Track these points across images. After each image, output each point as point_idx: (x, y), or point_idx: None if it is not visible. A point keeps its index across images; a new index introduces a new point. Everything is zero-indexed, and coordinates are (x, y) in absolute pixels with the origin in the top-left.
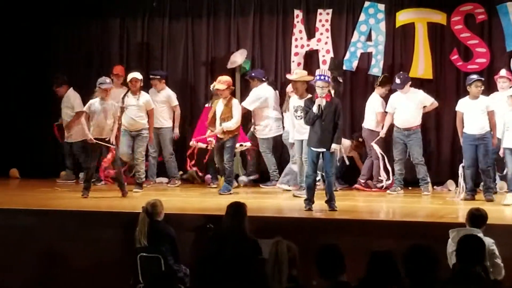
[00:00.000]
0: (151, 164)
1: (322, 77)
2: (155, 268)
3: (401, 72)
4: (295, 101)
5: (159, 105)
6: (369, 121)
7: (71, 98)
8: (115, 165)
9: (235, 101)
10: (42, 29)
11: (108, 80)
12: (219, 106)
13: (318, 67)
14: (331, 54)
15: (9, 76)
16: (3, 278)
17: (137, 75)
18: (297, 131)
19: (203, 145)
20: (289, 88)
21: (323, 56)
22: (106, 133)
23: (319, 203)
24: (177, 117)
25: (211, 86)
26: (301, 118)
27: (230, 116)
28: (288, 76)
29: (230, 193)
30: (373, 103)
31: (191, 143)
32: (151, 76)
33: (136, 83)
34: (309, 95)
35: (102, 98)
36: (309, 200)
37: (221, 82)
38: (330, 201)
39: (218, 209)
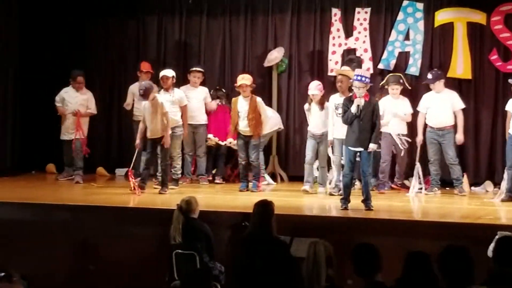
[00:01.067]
0: (187, 161)
1: (359, 78)
2: (190, 265)
3: (434, 69)
4: (336, 99)
5: (197, 102)
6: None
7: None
8: (164, 161)
9: (259, 99)
10: (77, 29)
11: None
12: (241, 105)
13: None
14: (369, 54)
15: (46, 73)
16: (41, 273)
17: (167, 72)
18: (336, 129)
19: (222, 143)
20: (313, 88)
21: (361, 55)
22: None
23: (356, 202)
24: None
25: (237, 83)
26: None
27: (257, 115)
28: (336, 71)
29: (261, 190)
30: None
31: (229, 141)
32: (194, 69)
33: (167, 81)
34: (349, 94)
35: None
36: (345, 199)
37: (246, 78)
38: (367, 200)
39: (251, 207)
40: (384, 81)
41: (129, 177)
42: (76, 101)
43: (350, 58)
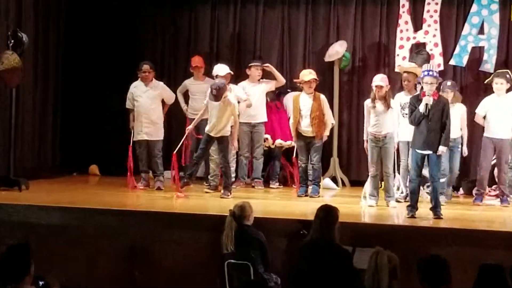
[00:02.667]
0: (242, 164)
1: (430, 73)
2: (244, 276)
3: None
4: (402, 98)
5: (259, 98)
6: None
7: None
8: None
9: (323, 97)
10: (125, 21)
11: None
12: (304, 102)
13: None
14: (439, 49)
15: (94, 69)
16: (85, 279)
17: (222, 69)
18: (402, 130)
19: (287, 143)
20: (378, 80)
21: (431, 50)
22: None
23: (424, 210)
24: None
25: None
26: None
27: (321, 114)
28: (399, 67)
29: (319, 196)
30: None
31: (278, 141)
32: (255, 64)
33: (226, 79)
34: (416, 92)
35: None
36: (412, 207)
37: (314, 73)
38: (435, 208)
39: (311, 214)
40: (490, 78)
41: (173, 164)
42: (146, 95)
43: (419, 51)
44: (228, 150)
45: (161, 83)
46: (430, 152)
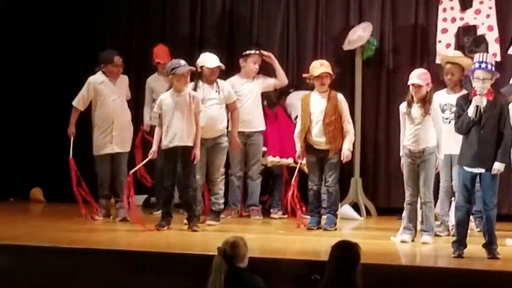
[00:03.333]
0: (234, 186)
1: (484, 65)
2: None
3: None
4: (442, 97)
5: (252, 99)
6: None
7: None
8: (190, 183)
9: (340, 96)
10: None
11: (183, 61)
12: (315, 103)
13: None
14: (495, 33)
15: (32, 66)
16: None
17: (210, 61)
18: (443, 141)
19: (288, 162)
20: (415, 77)
21: (484, 34)
22: (185, 140)
23: (474, 247)
24: None
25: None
26: (450, 121)
27: (337, 120)
28: (441, 57)
29: (335, 229)
30: None
31: (270, 159)
32: (250, 52)
33: (211, 72)
34: (464, 91)
35: (177, 89)
36: (459, 243)
37: (326, 65)
38: (490, 244)
39: (324, 252)
40: None
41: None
42: (116, 94)
43: (477, 38)
44: (194, 165)
45: (124, 76)
46: (482, 170)
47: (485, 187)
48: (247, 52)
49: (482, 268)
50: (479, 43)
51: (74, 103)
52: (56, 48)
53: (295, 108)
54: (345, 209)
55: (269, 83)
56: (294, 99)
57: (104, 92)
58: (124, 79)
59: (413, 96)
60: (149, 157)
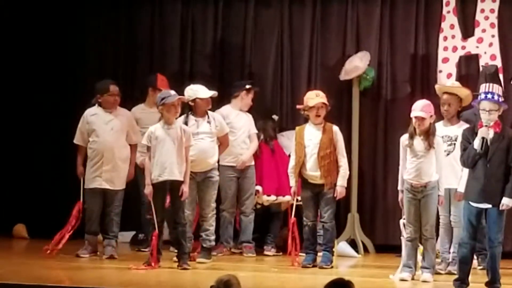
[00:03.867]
0: (227, 222)
1: (490, 96)
2: None
3: None
4: (439, 129)
5: (239, 130)
6: None
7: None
8: (179, 219)
9: (336, 129)
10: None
11: (173, 92)
12: (310, 136)
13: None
14: (499, 62)
15: (16, 91)
16: None
17: (202, 92)
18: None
19: (285, 199)
20: (418, 109)
21: (486, 64)
22: (176, 174)
23: (476, 286)
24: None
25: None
26: (448, 154)
27: (333, 153)
28: (438, 86)
29: (331, 266)
30: None
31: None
32: (250, 87)
33: (202, 104)
34: (464, 124)
35: (167, 121)
36: (461, 281)
37: (322, 96)
38: (493, 283)
39: None
40: None
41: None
42: (109, 126)
43: (491, 68)
44: (183, 201)
45: (127, 111)
46: (489, 205)
47: (491, 223)
48: (249, 87)
49: None
50: (493, 75)
51: (74, 140)
52: (36, 83)
53: (287, 148)
54: (342, 246)
55: (252, 127)
56: (285, 140)
57: (97, 124)
58: (126, 114)
59: (415, 129)
60: (149, 197)
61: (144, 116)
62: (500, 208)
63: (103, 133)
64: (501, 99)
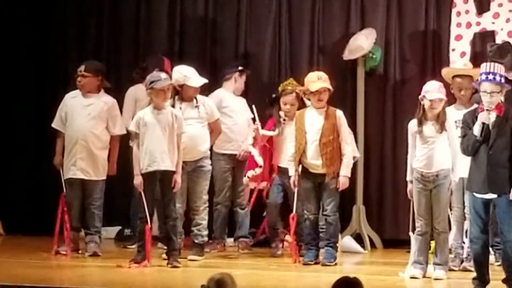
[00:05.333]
0: (221, 216)
1: (491, 77)
2: None
3: None
4: (453, 113)
5: (237, 114)
6: None
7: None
8: (169, 212)
9: (339, 113)
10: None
11: (164, 75)
12: (311, 120)
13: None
14: None
15: None
16: None
17: (195, 78)
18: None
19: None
20: (431, 90)
21: (503, 41)
22: (167, 164)
23: (494, 283)
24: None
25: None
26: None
27: (336, 137)
28: (446, 69)
29: (336, 263)
30: None
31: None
32: (242, 69)
33: (197, 91)
34: (474, 105)
35: (157, 106)
36: (479, 279)
37: (325, 79)
38: (510, 280)
39: None
40: None
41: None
42: (87, 111)
43: (502, 47)
44: (174, 193)
45: (111, 99)
46: (494, 196)
47: (501, 214)
48: (241, 68)
49: None
50: (505, 52)
51: (53, 123)
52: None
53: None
54: (347, 241)
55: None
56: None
57: (74, 107)
58: (109, 102)
59: (425, 113)
60: (139, 189)
61: (143, 97)
62: (510, 198)
63: (79, 117)
64: (503, 80)
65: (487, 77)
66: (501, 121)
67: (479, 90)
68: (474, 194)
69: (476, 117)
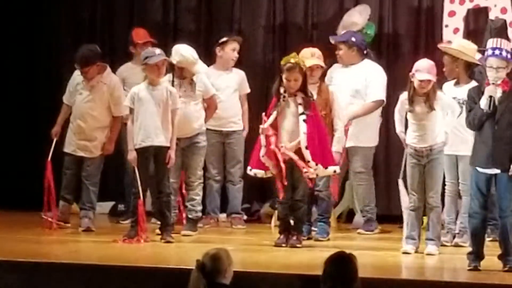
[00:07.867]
0: (213, 191)
1: (498, 52)
2: None
3: None
4: (450, 89)
5: (229, 94)
6: None
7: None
8: (163, 188)
9: (332, 89)
10: None
11: (158, 50)
12: None
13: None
14: (509, 16)
15: None
16: None
17: (186, 52)
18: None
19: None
20: (422, 69)
21: (496, 17)
22: (161, 140)
23: (488, 258)
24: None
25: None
26: (459, 117)
27: (328, 113)
28: (441, 45)
29: (329, 239)
30: None
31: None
32: (229, 39)
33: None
34: (473, 82)
35: (152, 81)
36: (475, 254)
37: (318, 56)
38: (507, 255)
39: (316, 266)
40: None
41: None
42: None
43: (498, 22)
44: (168, 168)
45: (114, 79)
46: (497, 171)
47: (502, 189)
48: (225, 39)
49: (500, 282)
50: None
51: (63, 98)
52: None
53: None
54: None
55: (244, 87)
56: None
57: (77, 87)
58: (111, 82)
59: (415, 90)
60: (133, 164)
61: (133, 74)
62: (510, 173)
63: (80, 96)
64: (509, 56)
65: (493, 52)
66: (507, 97)
67: (485, 65)
68: (477, 168)
69: (482, 92)
